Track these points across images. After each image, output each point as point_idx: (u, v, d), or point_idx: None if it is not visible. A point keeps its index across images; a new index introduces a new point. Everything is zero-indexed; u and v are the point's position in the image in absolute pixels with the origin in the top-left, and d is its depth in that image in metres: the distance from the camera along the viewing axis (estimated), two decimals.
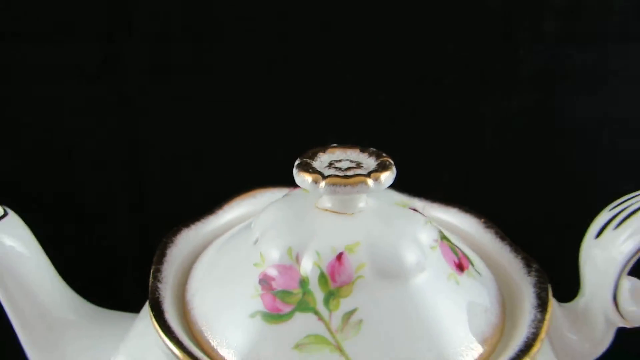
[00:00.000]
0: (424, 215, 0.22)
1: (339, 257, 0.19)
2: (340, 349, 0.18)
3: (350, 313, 0.19)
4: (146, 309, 0.24)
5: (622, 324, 0.21)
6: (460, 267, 0.21)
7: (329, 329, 0.18)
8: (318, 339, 0.18)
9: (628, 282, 0.21)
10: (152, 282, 0.22)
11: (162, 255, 0.23)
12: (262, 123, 0.43)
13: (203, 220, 0.26)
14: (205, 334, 0.20)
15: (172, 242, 0.24)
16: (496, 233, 0.25)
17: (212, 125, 0.45)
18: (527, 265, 0.22)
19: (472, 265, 0.22)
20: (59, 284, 0.26)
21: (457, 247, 0.22)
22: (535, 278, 0.22)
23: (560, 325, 0.22)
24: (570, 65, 0.40)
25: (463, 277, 0.21)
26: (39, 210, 0.42)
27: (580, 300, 0.22)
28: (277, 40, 0.41)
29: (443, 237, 0.22)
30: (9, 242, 0.25)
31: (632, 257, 0.19)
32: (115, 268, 0.45)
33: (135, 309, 0.26)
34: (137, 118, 0.46)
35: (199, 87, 0.45)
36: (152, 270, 0.22)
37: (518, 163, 0.42)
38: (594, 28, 0.39)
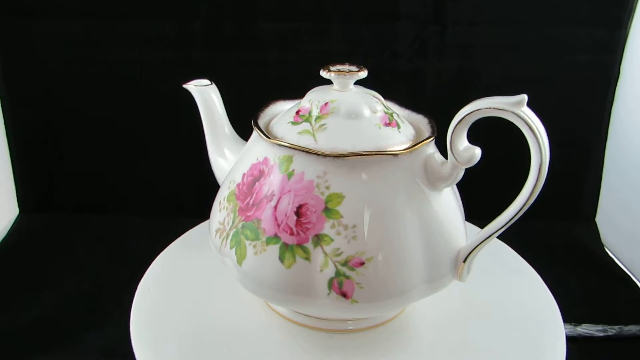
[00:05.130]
0: (380, 100, 0.45)
1: (325, 104, 0.43)
2: (313, 135, 0.42)
3: (322, 125, 0.42)
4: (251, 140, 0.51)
5: (459, 165, 0.41)
6: (388, 124, 0.43)
7: (312, 127, 0.42)
8: (307, 132, 0.42)
9: (462, 144, 0.40)
10: (254, 121, 0.48)
11: (257, 116, 0.49)
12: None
13: (276, 103, 0.50)
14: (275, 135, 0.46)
15: (263, 110, 0.50)
16: (420, 114, 0.47)
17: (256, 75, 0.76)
18: (429, 122, 0.44)
19: (398, 126, 0.44)
20: (226, 118, 0.54)
21: (394, 116, 0.44)
22: (431, 126, 0.44)
23: (437, 164, 0.42)
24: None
25: (387, 128, 0.43)
26: None
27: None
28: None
29: (386, 111, 0.44)
30: (213, 95, 0.53)
31: (454, 128, 0.39)
32: None
33: None
34: (198, 73, 0.77)
35: (242, 55, 0.76)
36: (253, 121, 0.48)
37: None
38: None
